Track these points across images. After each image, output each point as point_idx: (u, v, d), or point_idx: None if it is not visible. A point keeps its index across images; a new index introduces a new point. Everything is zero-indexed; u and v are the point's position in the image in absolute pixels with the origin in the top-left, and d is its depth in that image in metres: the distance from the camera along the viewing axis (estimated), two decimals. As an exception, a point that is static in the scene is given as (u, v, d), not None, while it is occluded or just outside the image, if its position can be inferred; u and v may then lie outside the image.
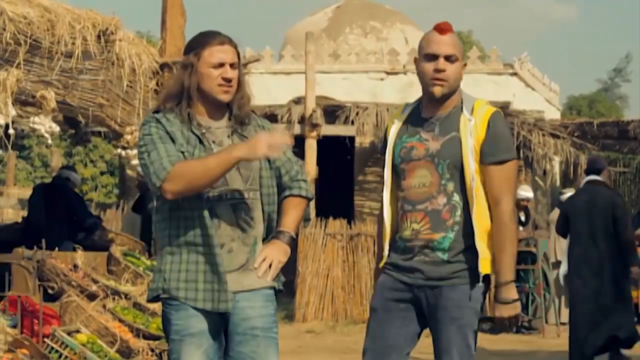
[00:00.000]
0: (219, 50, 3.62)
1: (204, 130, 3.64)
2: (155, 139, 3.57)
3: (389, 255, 3.85)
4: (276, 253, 3.66)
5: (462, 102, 3.79)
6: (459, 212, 3.70)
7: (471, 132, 3.70)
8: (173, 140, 3.58)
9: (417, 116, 3.84)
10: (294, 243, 3.75)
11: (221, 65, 3.62)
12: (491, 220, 3.71)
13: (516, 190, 3.80)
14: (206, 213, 3.56)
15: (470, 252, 3.71)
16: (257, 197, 3.68)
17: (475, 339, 3.77)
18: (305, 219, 3.88)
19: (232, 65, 3.63)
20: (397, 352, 3.81)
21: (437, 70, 3.71)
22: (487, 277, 3.74)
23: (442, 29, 3.76)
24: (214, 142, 3.65)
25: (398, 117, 3.90)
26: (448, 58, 3.72)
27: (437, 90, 3.74)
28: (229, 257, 3.61)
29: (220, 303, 3.57)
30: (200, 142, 3.62)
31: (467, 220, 3.70)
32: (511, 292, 3.69)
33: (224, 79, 3.62)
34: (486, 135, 3.70)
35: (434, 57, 3.73)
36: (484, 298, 3.78)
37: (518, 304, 3.73)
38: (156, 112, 3.71)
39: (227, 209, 3.62)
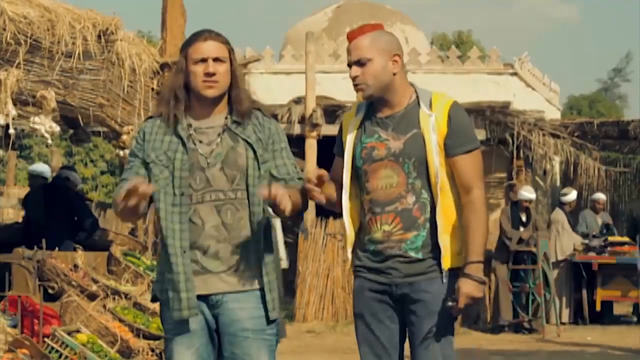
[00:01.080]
0: (201, 46, 3.61)
1: (191, 132, 3.64)
2: (131, 157, 3.71)
3: (358, 258, 3.83)
4: (285, 189, 3.49)
5: (417, 97, 3.77)
6: (428, 209, 3.71)
7: (433, 128, 3.68)
8: (142, 160, 3.64)
9: (372, 116, 3.81)
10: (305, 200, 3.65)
11: (203, 60, 3.60)
12: (463, 208, 3.71)
13: (482, 177, 3.77)
14: (169, 217, 3.58)
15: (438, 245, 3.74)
16: (245, 197, 3.63)
17: (453, 334, 3.77)
18: (302, 230, 3.86)
19: (216, 60, 3.61)
20: (394, 352, 3.82)
21: (353, 79, 3.75)
22: (453, 272, 3.73)
23: (349, 37, 3.78)
24: (200, 141, 3.63)
25: (353, 118, 3.87)
26: (358, 63, 3.72)
27: (358, 96, 3.81)
28: (216, 259, 3.59)
29: (174, 312, 3.58)
30: (184, 144, 3.61)
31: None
32: (479, 272, 3.66)
33: (206, 74, 3.59)
34: (448, 129, 3.69)
35: (350, 66, 3.76)
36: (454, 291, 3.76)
37: (482, 288, 3.68)
38: (151, 117, 3.75)
39: (210, 210, 3.60)
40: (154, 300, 3.78)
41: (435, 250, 3.72)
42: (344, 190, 3.83)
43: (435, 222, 3.69)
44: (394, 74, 3.74)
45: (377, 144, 3.76)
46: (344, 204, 3.84)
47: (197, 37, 3.66)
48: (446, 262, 3.71)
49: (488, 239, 3.82)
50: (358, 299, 3.85)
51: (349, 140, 3.83)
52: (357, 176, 3.81)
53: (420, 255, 3.72)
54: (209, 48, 3.61)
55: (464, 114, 3.78)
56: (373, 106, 3.83)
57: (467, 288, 3.64)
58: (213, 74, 3.59)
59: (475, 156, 3.74)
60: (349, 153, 3.81)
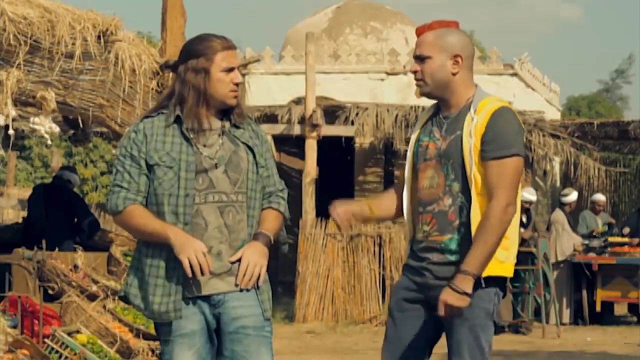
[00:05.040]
0: (230, 55, 3.67)
1: (192, 135, 3.65)
2: (125, 158, 3.67)
3: (407, 256, 3.85)
4: (257, 257, 3.63)
5: (472, 101, 3.72)
6: (465, 213, 3.65)
7: (472, 131, 3.63)
8: (141, 162, 3.63)
9: (435, 116, 3.83)
10: (272, 249, 3.73)
11: (231, 69, 3.65)
12: None
13: (517, 189, 3.65)
14: (174, 218, 3.62)
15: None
16: (244, 200, 3.68)
17: (489, 341, 3.69)
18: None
19: (238, 69, 3.69)
20: (415, 353, 3.78)
21: (412, 72, 3.79)
22: (498, 280, 3.66)
23: (417, 32, 3.80)
24: (204, 145, 3.66)
25: (423, 116, 3.89)
26: (418, 58, 3.74)
27: (416, 92, 3.80)
28: (218, 260, 3.62)
29: (176, 312, 3.63)
30: (190, 145, 3.64)
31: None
32: (466, 285, 3.54)
33: (235, 83, 3.66)
34: (485, 132, 3.61)
35: (414, 60, 3.81)
36: (498, 300, 3.70)
37: (467, 300, 3.55)
38: (147, 117, 3.73)
39: (213, 211, 3.63)
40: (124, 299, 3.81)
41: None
42: (405, 187, 3.85)
43: (472, 227, 3.61)
44: (454, 74, 3.71)
45: (429, 143, 3.77)
46: (405, 199, 3.84)
47: (222, 44, 3.67)
48: (485, 271, 3.61)
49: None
50: (394, 294, 3.87)
51: (413, 137, 3.86)
52: (414, 172, 3.84)
53: (454, 258, 3.65)
54: (235, 57, 3.69)
55: (506, 120, 3.65)
56: (439, 106, 3.84)
57: (444, 296, 3.56)
58: (239, 84, 3.67)
59: (505, 165, 3.60)
60: (410, 149, 3.85)
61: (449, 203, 3.67)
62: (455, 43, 3.71)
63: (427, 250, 3.71)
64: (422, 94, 3.78)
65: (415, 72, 3.75)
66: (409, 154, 3.84)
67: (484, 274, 3.60)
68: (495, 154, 3.60)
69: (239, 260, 3.64)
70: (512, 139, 3.64)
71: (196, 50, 3.68)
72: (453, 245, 3.66)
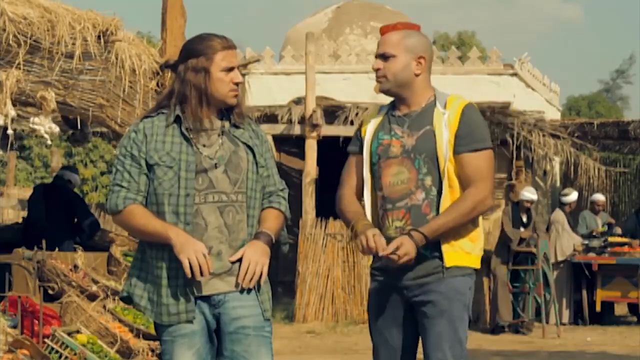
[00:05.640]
0: (230, 54, 3.67)
1: (191, 135, 3.65)
2: (125, 158, 3.66)
3: (373, 258, 3.84)
4: (259, 256, 3.63)
5: (435, 99, 3.82)
6: (435, 205, 3.72)
7: (446, 124, 3.72)
8: (141, 162, 3.63)
9: (391, 115, 3.89)
10: (273, 247, 3.73)
11: (231, 69, 3.65)
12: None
13: (493, 179, 3.78)
14: (174, 218, 3.62)
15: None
16: (244, 200, 3.68)
17: (465, 334, 3.74)
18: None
19: (238, 69, 3.68)
20: (407, 353, 3.83)
21: (374, 69, 3.84)
22: (467, 270, 3.73)
23: (381, 31, 3.87)
24: (204, 145, 3.66)
25: (374, 117, 3.95)
26: (382, 56, 3.81)
27: (376, 87, 3.87)
28: (218, 260, 3.62)
29: (179, 314, 3.63)
30: (190, 145, 3.63)
31: None
32: (420, 240, 3.64)
33: (235, 83, 3.65)
34: (459, 125, 3.72)
35: (377, 58, 3.87)
36: (471, 293, 3.77)
37: (412, 255, 3.64)
38: (147, 116, 3.73)
39: (213, 211, 3.63)
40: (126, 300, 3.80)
41: (437, 249, 3.72)
42: (365, 186, 3.88)
43: None
44: (416, 75, 3.82)
45: (392, 141, 3.81)
46: (366, 199, 3.88)
47: (221, 43, 3.67)
48: (449, 260, 3.70)
49: (487, 239, 3.82)
50: (371, 300, 3.90)
51: (367, 136, 3.89)
52: (371, 172, 3.87)
53: (428, 253, 3.71)
54: (235, 57, 3.69)
55: (477, 115, 3.80)
56: (394, 105, 3.90)
57: (402, 240, 3.64)
58: (239, 83, 3.67)
59: (482, 157, 3.74)
60: (367, 149, 3.87)
61: (422, 197, 3.73)
62: (419, 45, 3.83)
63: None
64: (382, 90, 3.86)
65: (377, 70, 3.82)
66: (366, 153, 3.86)
67: (450, 264, 3.68)
68: (472, 147, 3.72)
69: (240, 259, 3.63)
70: (485, 133, 3.80)
71: (196, 49, 3.68)
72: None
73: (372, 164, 3.86)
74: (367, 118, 3.98)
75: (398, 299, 3.79)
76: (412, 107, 3.83)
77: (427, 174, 3.73)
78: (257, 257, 3.62)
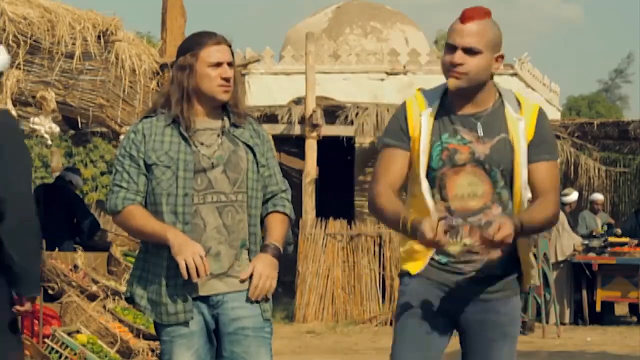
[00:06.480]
0: (217, 50, 3.63)
1: (191, 134, 3.64)
2: (125, 159, 3.66)
3: (429, 265, 3.42)
4: (269, 270, 3.62)
5: (501, 98, 3.44)
6: None
7: (523, 134, 3.35)
8: (140, 162, 3.62)
9: (450, 112, 3.39)
10: (281, 256, 3.71)
11: (219, 64, 3.62)
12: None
13: (559, 190, 3.50)
14: (172, 218, 3.61)
15: (517, 261, 3.43)
16: (245, 200, 3.66)
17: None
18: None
19: (229, 65, 3.64)
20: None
21: (453, 64, 3.31)
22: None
23: (465, 16, 3.33)
24: (202, 143, 3.65)
25: (424, 109, 3.40)
26: (467, 51, 3.31)
27: (451, 83, 3.33)
28: (217, 260, 3.61)
29: (178, 314, 3.63)
30: (188, 145, 3.62)
31: None
32: (515, 225, 3.18)
33: (224, 78, 3.62)
34: (535, 134, 3.37)
35: (452, 49, 3.32)
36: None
37: (509, 241, 3.18)
38: (146, 117, 3.73)
39: (212, 212, 3.62)
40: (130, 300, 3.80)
41: (513, 267, 3.42)
42: (426, 191, 3.35)
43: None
44: (492, 75, 3.45)
45: (460, 147, 3.35)
46: (431, 208, 3.33)
47: (207, 39, 3.65)
48: (528, 279, 3.44)
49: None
50: (408, 301, 3.44)
51: (425, 136, 3.37)
52: (430, 178, 3.38)
53: (500, 272, 3.39)
54: (223, 52, 3.64)
55: (548, 120, 3.47)
56: (448, 99, 3.41)
57: (501, 221, 3.16)
58: (230, 79, 3.63)
59: (555, 167, 3.44)
60: (425, 151, 3.36)
61: (499, 212, 3.35)
62: (499, 41, 3.40)
63: (469, 263, 3.38)
64: (459, 87, 3.34)
65: (458, 65, 3.31)
66: (423, 156, 3.35)
67: (527, 283, 3.43)
68: (547, 157, 3.40)
69: (238, 262, 3.64)
70: (555, 142, 3.53)
71: (183, 47, 3.71)
72: (503, 259, 3.38)
73: (431, 169, 3.36)
74: (413, 107, 3.41)
75: (448, 312, 3.41)
76: (479, 106, 3.39)
77: (503, 187, 3.38)
78: (267, 272, 3.61)
